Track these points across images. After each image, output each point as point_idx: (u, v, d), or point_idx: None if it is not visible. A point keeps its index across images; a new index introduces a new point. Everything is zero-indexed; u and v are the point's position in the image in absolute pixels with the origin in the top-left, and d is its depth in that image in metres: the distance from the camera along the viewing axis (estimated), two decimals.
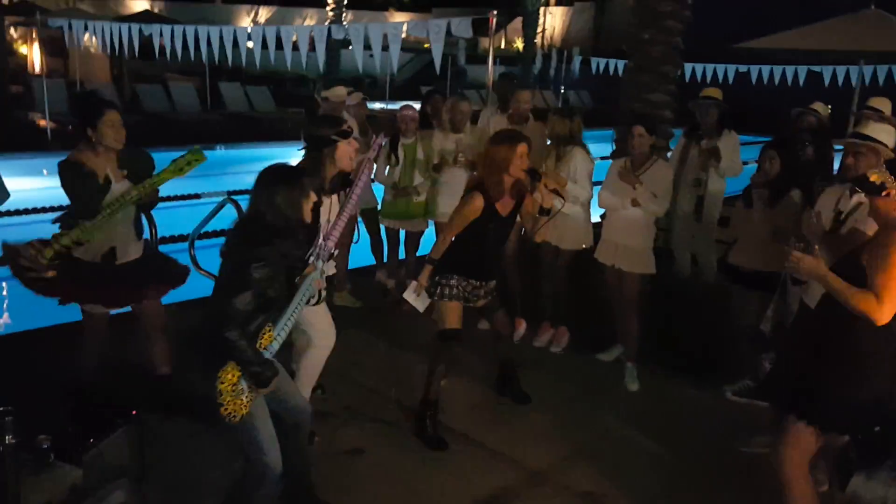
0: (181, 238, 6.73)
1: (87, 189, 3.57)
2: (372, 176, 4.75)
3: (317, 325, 3.73)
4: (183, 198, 8.41)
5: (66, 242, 3.47)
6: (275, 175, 2.92)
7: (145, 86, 17.69)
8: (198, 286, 3.96)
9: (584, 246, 5.01)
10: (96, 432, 3.07)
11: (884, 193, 2.73)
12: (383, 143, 4.90)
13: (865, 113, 5.15)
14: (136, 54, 12.65)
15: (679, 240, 6.21)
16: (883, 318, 2.71)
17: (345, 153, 3.61)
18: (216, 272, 2.99)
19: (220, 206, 4.19)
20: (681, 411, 4.40)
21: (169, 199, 8.36)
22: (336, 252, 3.61)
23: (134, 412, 3.24)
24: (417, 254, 5.91)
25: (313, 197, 2.97)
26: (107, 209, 3.51)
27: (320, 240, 3.45)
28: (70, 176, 3.59)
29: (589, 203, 5.01)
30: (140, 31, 11.51)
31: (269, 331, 2.89)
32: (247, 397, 2.78)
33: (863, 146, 3.40)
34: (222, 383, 2.75)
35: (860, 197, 3.25)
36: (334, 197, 3.73)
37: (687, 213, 5.94)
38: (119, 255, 3.77)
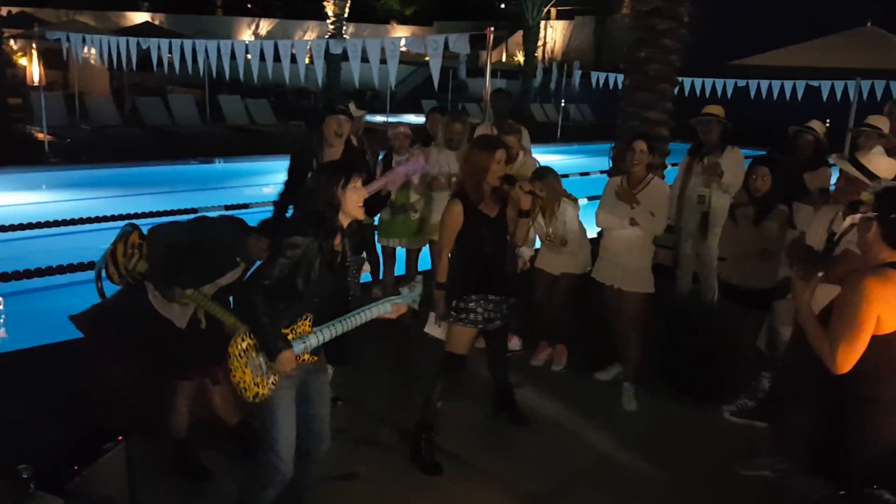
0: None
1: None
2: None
3: None
4: (180, 212, 8.34)
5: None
6: (322, 167, 3.00)
7: (145, 98, 17.70)
8: None
9: (587, 269, 4.99)
10: (81, 459, 3.00)
11: (861, 209, 2.67)
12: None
13: (865, 131, 5.13)
14: (136, 67, 12.65)
15: (684, 258, 6.14)
16: (835, 366, 2.50)
17: (330, 127, 4.11)
18: None
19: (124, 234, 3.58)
20: (678, 432, 4.34)
21: (169, 212, 8.37)
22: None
23: (120, 437, 3.17)
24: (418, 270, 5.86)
25: (357, 185, 2.84)
26: (196, 295, 3.38)
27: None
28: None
29: (583, 232, 5.04)
30: (138, 44, 11.51)
31: (307, 323, 2.83)
32: (265, 377, 2.75)
33: (853, 175, 3.36)
34: (231, 346, 2.76)
35: (853, 218, 3.21)
36: None
37: (692, 230, 5.87)
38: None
